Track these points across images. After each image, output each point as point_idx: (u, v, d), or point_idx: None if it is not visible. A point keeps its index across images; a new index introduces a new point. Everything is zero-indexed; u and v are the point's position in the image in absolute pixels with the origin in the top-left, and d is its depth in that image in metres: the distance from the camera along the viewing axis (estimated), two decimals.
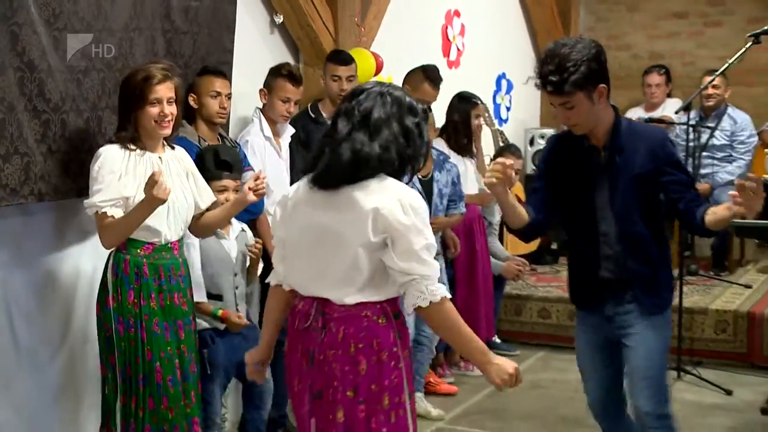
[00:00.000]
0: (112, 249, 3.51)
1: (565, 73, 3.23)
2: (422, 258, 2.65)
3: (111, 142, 3.52)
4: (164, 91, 3.49)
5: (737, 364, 6.04)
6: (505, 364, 2.77)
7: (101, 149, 3.48)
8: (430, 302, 2.66)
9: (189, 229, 3.71)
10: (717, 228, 3.34)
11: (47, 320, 3.87)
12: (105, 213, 3.38)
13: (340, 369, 2.70)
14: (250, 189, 3.66)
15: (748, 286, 6.80)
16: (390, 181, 2.71)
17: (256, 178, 3.69)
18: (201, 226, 3.74)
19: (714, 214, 3.29)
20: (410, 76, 5.59)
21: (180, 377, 3.52)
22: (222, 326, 4.00)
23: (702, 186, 6.90)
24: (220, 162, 3.94)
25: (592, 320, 3.58)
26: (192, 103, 4.27)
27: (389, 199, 2.66)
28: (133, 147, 3.49)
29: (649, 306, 3.47)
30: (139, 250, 3.48)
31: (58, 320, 3.91)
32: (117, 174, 3.41)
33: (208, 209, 3.75)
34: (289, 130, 4.77)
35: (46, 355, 3.87)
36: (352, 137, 2.69)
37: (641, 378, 3.48)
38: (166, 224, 3.52)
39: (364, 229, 2.65)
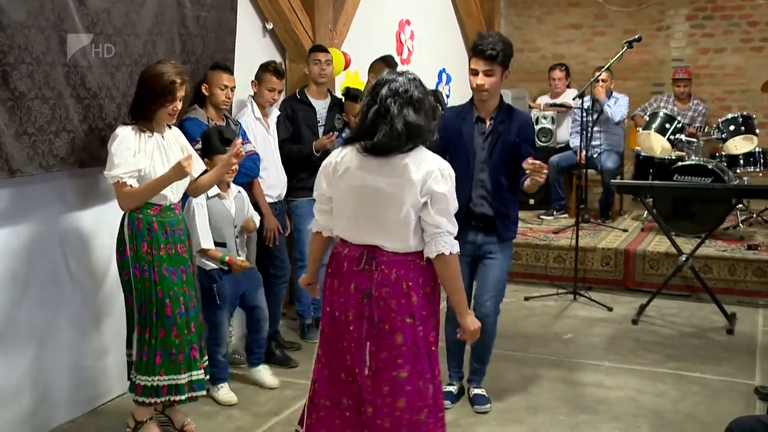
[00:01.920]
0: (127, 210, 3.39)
1: (499, 49, 3.47)
2: (452, 217, 2.66)
3: (125, 124, 3.36)
4: (181, 92, 3.37)
5: (616, 288, 6.10)
6: (476, 321, 2.86)
7: (117, 130, 3.32)
8: (450, 252, 2.65)
9: (186, 191, 3.59)
10: (529, 192, 3.61)
11: (92, 258, 3.81)
12: (125, 182, 3.27)
13: (397, 303, 2.65)
14: (236, 153, 3.59)
15: (625, 230, 6.84)
16: (428, 153, 2.67)
17: (236, 148, 3.58)
18: (196, 188, 3.62)
19: (527, 182, 3.55)
20: (373, 65, 5.47)
21: (184, 310, 3.44)
22: (226, 268, 3.93)
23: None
24: (224, 139, 3.83)
25: (463, 246, 3.56)
26: (204, 91, 4.16)
27: (432, 168, 2.62)
28: (145, 130, 3.35)
29: (503, 236, 3.73)
30: (149, 210, 3.37)
31: (100, 259, 3.85)
32: (132, 151, 3.29)
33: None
34: (275, 112, 4.68)
35: (91, 285, 3.82)
36: (403, 113, 2.60)
37: (492, 286, 3.74)
38: (170, 189, 3.40)
39: (415, 191, 2.60)
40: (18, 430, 3.47)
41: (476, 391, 3.95)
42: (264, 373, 4.20)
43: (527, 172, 3.39)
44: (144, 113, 3.35)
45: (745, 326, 5.19)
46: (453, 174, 2.68)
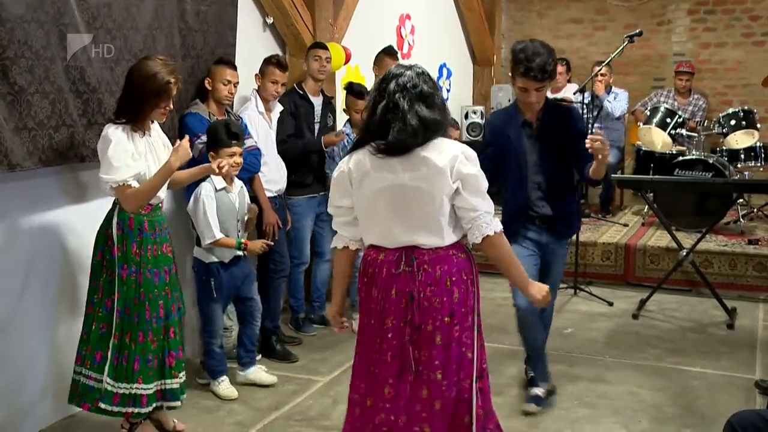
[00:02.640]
0: (115, 207, 3.31)
1: (550, 67, 3.43)
2: (486, 196, 2.55)
3: (113, 123, 3.25)
4: (174, 92, 3.30)
5: (617, 282, 6.11)
6: (542, 286, 2.74)
7: (108, 131, 3.20)
8: (494, 232, 2.54)
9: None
10: (596, 177, 3.52)
11: (91, 253, 3.79)
12: (129, 185, 3.20)
13: (440, 301, 2.54)
14: (218, 165, 3.53)
15: (625, 225, 6.85)
16: (446, 140, 2.56)
17: (221, 160, 3.56)
18: (171, 183, 3.48)
19: (592, 168, 3.51)
20: (376, 59, 5.46)
21: (163, 315, 3.35)
22: (228, 259, 3.92)
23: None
24: (230, 133, 3.81)
25: (526, 245, 3.70)
26: (207, 85, 4.15)
27: (455, 152, 2.51)
28: (136, 130, 3.27)
29: (565, 234, 3.81)
30: (141, 210, 3.30)
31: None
32: (130, 153, 3.21)
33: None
34: (278, 107, 4.65)
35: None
36: (414, 108, 2.49)
37: (555, 282, 3.81)
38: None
39: (444, 178, 2.49)
40: (16, 426, 3.48)
41: (533, 390, 3.89)
42: (259, 372, 4.17)
43: (590, 151, 3.36)
44: (136, 114, 3.25)
45: (745, 321, 5.19)
46: (475, 155, 2.56)
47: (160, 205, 3.42)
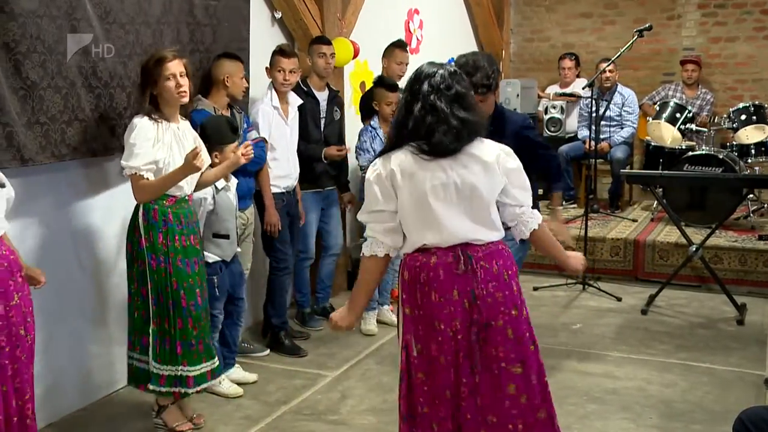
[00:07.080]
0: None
1: (490, 80, 3.49)
2: (529, 191, 2.65)
3: (139, 114, 3.36)
4: (178, 66, 3.36)
5: (626, 278, 6.12)
6: (578, 255, 2.92)
7: (134, 121, 3.32)
8: (538, 225, 2.66)
9: None
10: None
11: (102, 247, 3.85)
12: (142, 175, 3.28)
13: (502, 296, 2.53)
14: (242, 154, 3.60)
15: (634, 220, 6.85)
16: (485, 140, 2.59)
17: (246, 146, 3.60)
18: (199, 183, 3.58)
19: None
20: (386, 51, 5.41)
21: (200, 302, 3.47)
22: (230, 258, 3.96)
23: (602, 144, 6.94)
24: (233, 128, 3.86)
25: None
26: (226, 82, 4.04)
27: (497, 150, 2.58)
28: (156, 117, 3.35)
29: None
30: (165, 201, 3.37)
31: (110, 248, 3.89)
32: (151, 141, 3.30)
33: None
34: (296, 101, 4.61)
35: (101, 274, 3.86)
36: (454, 112, 2.49)
37: None
38: (185, 181, 3.40)
39: (495, 174, 2.54)
40: None
41: None
42: (239, 372, 4.16)
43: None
44: (150, 98, 3.34)
45: (755, 317, 5.20)
46: (512, 151, 2.64)
47: (186, 198, 3.48)
